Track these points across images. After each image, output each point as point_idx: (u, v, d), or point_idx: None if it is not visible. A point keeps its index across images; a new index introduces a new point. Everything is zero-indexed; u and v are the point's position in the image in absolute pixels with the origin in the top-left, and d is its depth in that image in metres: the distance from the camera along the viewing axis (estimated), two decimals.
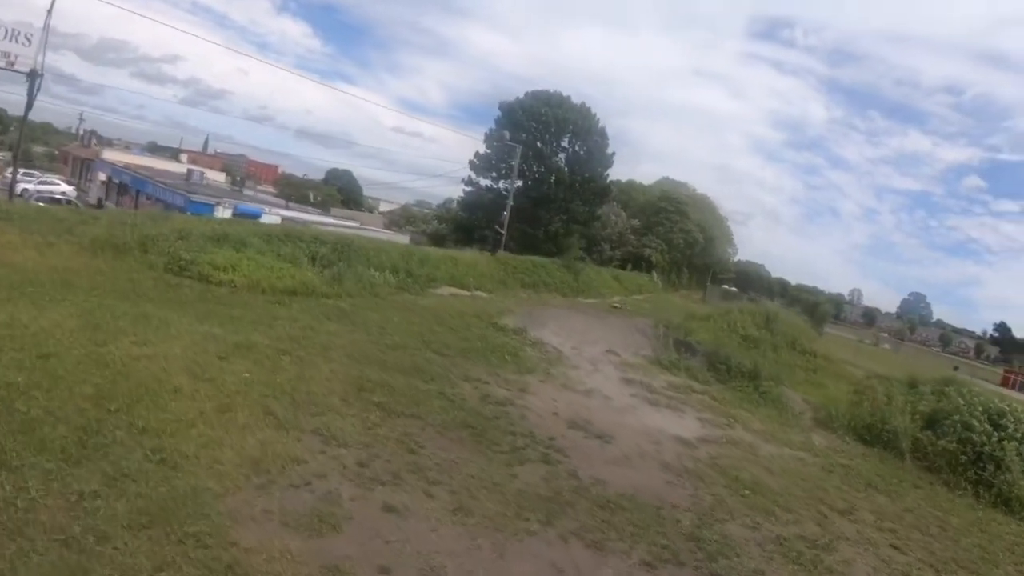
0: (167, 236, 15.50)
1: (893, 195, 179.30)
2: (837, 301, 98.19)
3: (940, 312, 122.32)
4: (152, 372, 7.62)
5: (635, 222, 50.09)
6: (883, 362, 31.40)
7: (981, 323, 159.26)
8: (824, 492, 9.92)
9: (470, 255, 26.69)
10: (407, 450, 7.46)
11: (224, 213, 28.99)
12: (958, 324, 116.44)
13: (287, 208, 38.54)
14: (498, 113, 42.35)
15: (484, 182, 42.58)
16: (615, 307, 29.35)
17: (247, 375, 8.50)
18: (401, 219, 56.50)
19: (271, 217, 30.32)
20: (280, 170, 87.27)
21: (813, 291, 73.05)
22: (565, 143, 42.67)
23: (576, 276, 32.49)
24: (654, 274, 47.67)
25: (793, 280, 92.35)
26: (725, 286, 60.32)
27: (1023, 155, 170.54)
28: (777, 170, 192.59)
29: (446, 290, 21.76)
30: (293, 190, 56.11)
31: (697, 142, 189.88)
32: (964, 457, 12.33)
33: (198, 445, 6.10)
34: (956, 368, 51.76)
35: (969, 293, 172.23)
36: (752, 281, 69.01)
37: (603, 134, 42.61)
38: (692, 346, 18.55)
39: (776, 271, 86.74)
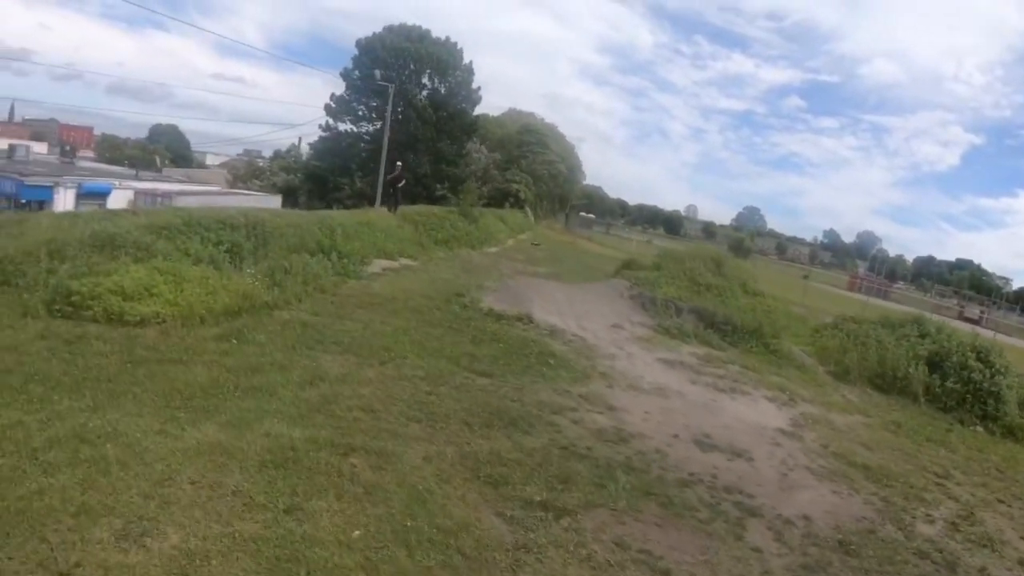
0: (33, 254, 10.02)
1: (719, 115, 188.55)
2: (676, 217, 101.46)
3: (772, 222, 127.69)
4: None
5: (496, 156, 46.56)
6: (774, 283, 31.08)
7: (810, 230, 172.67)
8: (914, 458, 9.68)
9: (378, 216, 22.14)
10: (659, 573, 5.35)
11: (67, 196, 21.63)
12: (789, 232, 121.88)
13: (137, 178, 30.27)
14: (339, 51, 36.42)
15: (343, 127, 36.85)
16: (535, 244, 27.21)
17: (357, 533, 4.83)
18: (246, 174, 48.33)
19: (123, 192, 23.18)
20: (96, 132, 72.17)
21: (653, 209, 74.48)
22: (426, 80, 37.86)
23: (476, 224, 28.82)
24: (527, 210, 44.90)
25: (631, 200, 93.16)
26: (582, 213, 59.20)
27: (840, 76, 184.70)
28: (606, 94, 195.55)
29: (378, 264, 17.48)
30: (117, 153, 45.76)
31: (527, 71, 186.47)
32: (968, 396, 12.73)
33: None
34: (806, 276, 54.92)
35: (795, 203, 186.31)
36: (596, 204, 68.56)
37: (468, 69, 38.33)
38: (677, 305, 16.30)
39: (613, 192, 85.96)
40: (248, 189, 38.09)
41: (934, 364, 13.56)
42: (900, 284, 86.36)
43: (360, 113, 37.54)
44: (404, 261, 19.12)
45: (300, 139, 55.21)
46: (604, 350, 12.50)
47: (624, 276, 20.04)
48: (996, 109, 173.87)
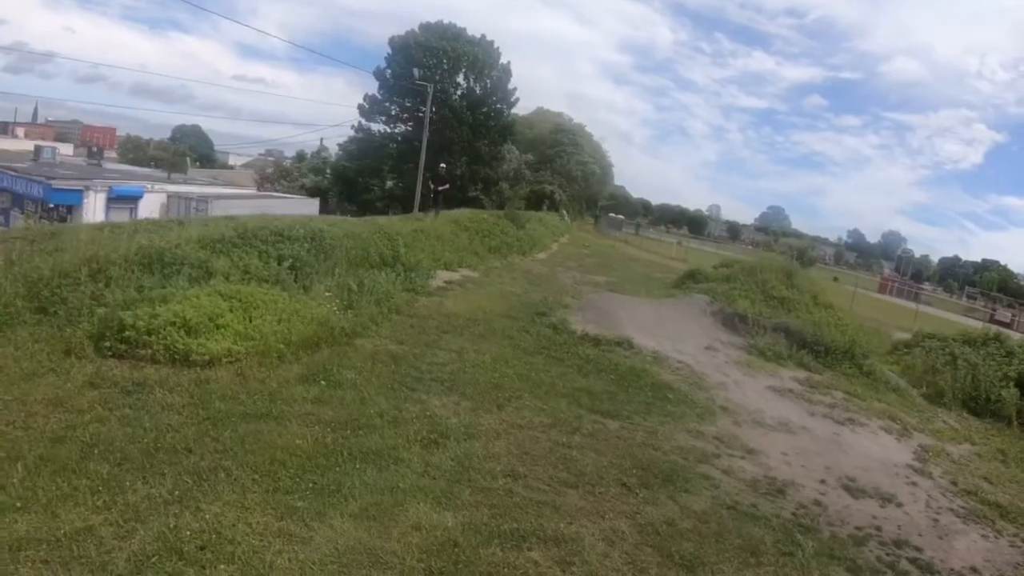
0: (72, 275, 8.39)
1: (740, 114, 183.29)
2: (700, 216, 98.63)
3: (795, 222, 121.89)
4: None
5: (528, 157, 44.86)
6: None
7: (833, 230, 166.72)
8: None
9: (430, 221, 20.48)
10: None
11: (97, 201, 20.04)
12: (812, 232, 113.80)
13: (169, 181, 28.47)
14: (359, 52, 35.01)
15: (376, 127, 35.30)
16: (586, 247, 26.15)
17: None
18: (274, 175, 46.68)
19: (155, 196, 21.51)
20: (118, 132, 70.78)
21: (676, 209, 72.04)
22: (461, 79, 36.30)
23: (523, 229, 27.13)
24: (563, 212, 43.12)
25: (653, 200, 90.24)
26: (611, 214, 57.31)
27: (861, 74, 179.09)
28: (627, 93, 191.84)
29: (440, 276, 15.84)
30: (140, 154, 44.30)
31: (548, 71, 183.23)
32: None
33: None
34: (836, 279, 52.52)
35: (817, 203, 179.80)
36: (621, 204, 66.55)
37: (506, 69, 36.69)
38: (761, 323, 15.05)
39: (636, 192, 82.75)
40: (276, 191, 36.52)
41: (1022, 385, 13.00)
42: (926, 285, 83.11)
43: (393, 113, 35.99)
44: (464, 272, 17.48)
45: (321, 140, 53.89)
46: (712, 378, 11.32)
47: (689, 287, 19.78)
48: (1020, 106, 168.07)
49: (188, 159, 46.70)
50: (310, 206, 26.67)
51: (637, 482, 6.37)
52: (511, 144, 42.50)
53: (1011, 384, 12.97)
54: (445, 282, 15.53)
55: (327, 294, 10.28)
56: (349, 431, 6.22)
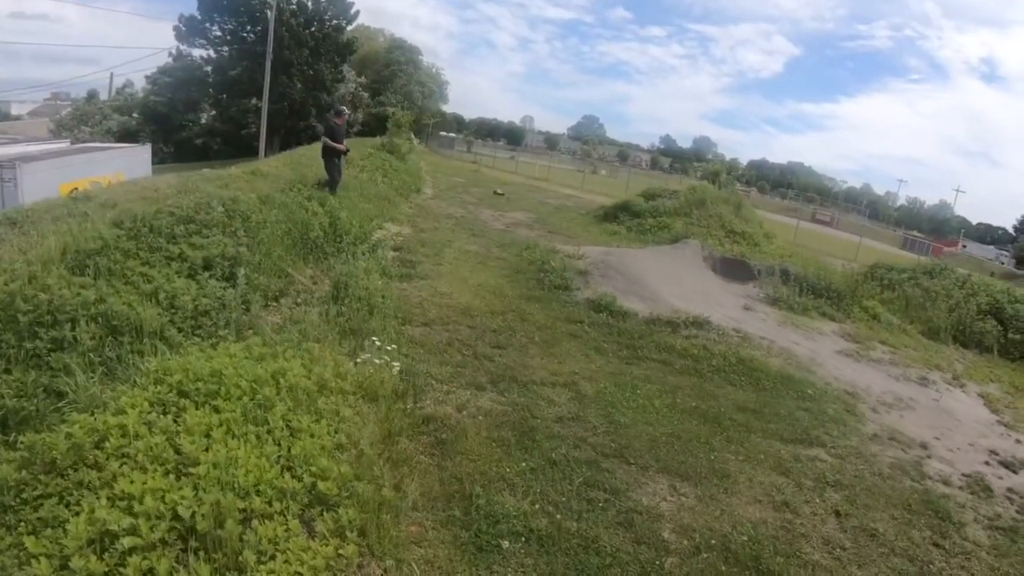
0: None
1: (546, 25, 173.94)
2: (516, 129, 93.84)
3: (608, 130, 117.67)
4: None
5: (362, 79, 38.02)
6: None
7: (644, 137, 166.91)
8: None
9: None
10: None
11: None
12: (625, 139, 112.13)
13: None
14: None
15: (199, 52, 26.95)
16: (499, 194, 21.88)
17: None
18: (72, 120, 34.55)
19: None
20: None
21: (492, 122, 67.41)
22: None
23: (404, 160, 22.14)
24: (411, 136, 37.32)
25: (466, 115, 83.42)
26: (442, 133, 51.88)
27: None
28: (431, 7, 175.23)
29: (380, 237, 11.28)
30: None
31: None
32: None
33: None
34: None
35: (626, 110, 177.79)
36: (441, 122, 60.92)
37: None
38: (757, 268, 12.97)
39: (447, 107, 75.32)
40: (79, 139, 26.82)
41: (996, 317, 12.63)
42: (739, 186, 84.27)
43: (215, 35, 27.50)
44: (392, 228, 12.88)
45: (112, 75, 42.46)
46: (798, 352, 8.97)
47: (625, 221, 18.62)
48: (816, 21, 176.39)
49: None
50: (142, 156, 19.07)
51: (937, 535, 4.75)
52: (347, 65, 35.51)
53: (987, 317, 12.73)
54: (394, 248, 11.01)
55: (375, 346, 5.68)
56: None
